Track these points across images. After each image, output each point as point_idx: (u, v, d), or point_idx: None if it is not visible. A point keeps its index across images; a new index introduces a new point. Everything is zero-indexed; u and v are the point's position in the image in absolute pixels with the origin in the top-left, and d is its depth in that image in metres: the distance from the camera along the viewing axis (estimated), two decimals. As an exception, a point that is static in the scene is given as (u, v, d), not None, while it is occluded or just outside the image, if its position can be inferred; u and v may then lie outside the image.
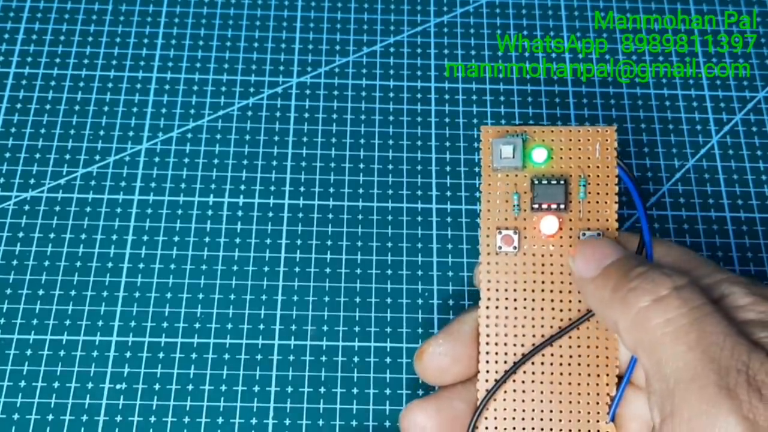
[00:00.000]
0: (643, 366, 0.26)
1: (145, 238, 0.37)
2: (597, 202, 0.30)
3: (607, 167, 0.30)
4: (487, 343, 0.30)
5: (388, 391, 0.35)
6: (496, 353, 0.30)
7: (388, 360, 0.35)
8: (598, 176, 0.30)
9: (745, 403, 0.23)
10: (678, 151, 0.41)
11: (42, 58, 0.42)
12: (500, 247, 0.30)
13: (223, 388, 0.35)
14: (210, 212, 0.38)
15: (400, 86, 0.42)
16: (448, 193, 0.39)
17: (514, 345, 0.29)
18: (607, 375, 0.29)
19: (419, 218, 0.39)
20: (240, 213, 0.38)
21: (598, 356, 0.29)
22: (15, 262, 0.37)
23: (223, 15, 0.44)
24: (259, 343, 0.35)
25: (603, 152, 0.30)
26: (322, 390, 0.35)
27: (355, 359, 0.35)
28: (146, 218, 0.38)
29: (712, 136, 0.41)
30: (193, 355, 0.35)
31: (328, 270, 0.37)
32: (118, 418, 0.34)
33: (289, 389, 0.35)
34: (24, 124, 0.40)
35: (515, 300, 0.30)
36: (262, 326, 0.36)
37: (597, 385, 0.29)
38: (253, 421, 0.34)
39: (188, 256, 0.37)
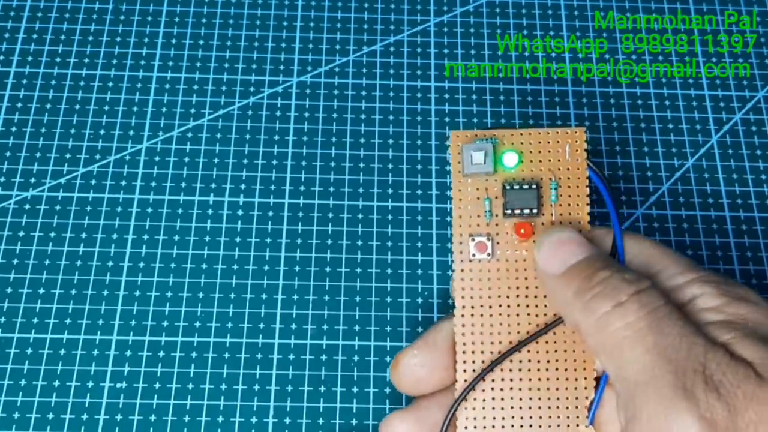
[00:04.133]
0: (606, 369, 0.27)
1: (146, 237, 0.38)
2: (569, 204, 0.30)
3: (578, 168, 0.30)
4: (464, 351, 0.29)
5: (387, 390, 0.35)
6: (473, 361, 0.29)
7: (387, 359, 0.35)
8: (569, 178, 0.30)
9: (702, 402, 0.23)
10: (678, 150, 0.41)
11: (42, 57, 0.42)
12: (474, 255, 0.29)
13: (224, 386, 0.35)
14: (210, 211, 0.38)
15: (400, 86, 0.42)
16: (448, 193, 0.39)
17: (491, 352, 0.29)
18: (585, 378, 0.29)
19: (419, 218, 0.39)
20: (240, 212, 0.38)
21: (575, 359, 0.29)
22: (15, 261, 0.37)
23: (224, 14, 0.44)
24: (260, 342, 0.36)
25: (573, 154, 0.30)
26: (322, 389, 0.35)
27: (355, 358, 0.35)
28: (146, 217, 0.38)
29: (712, 135, 0.41)
30: (194, 354, 0.35)
31: (328, 269, 0.37)
32: (119, 417, 0.34)
33: (289, 388, 0.35)
34: (24, 123, 0.40)
35: (491, 306, 0.29)
36: (262, 325, 0.36)
37: (575, 388, 0.29)
38: (253, 419, 0.34)
39: (188, 255, 0.37)
